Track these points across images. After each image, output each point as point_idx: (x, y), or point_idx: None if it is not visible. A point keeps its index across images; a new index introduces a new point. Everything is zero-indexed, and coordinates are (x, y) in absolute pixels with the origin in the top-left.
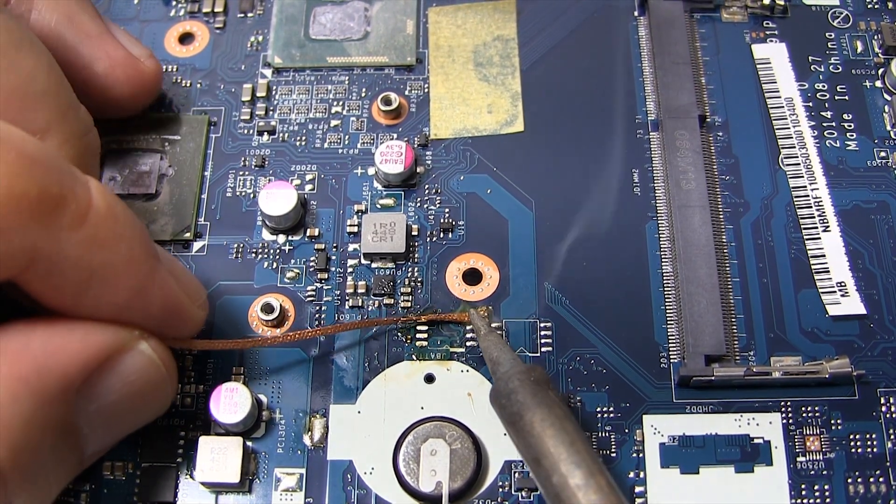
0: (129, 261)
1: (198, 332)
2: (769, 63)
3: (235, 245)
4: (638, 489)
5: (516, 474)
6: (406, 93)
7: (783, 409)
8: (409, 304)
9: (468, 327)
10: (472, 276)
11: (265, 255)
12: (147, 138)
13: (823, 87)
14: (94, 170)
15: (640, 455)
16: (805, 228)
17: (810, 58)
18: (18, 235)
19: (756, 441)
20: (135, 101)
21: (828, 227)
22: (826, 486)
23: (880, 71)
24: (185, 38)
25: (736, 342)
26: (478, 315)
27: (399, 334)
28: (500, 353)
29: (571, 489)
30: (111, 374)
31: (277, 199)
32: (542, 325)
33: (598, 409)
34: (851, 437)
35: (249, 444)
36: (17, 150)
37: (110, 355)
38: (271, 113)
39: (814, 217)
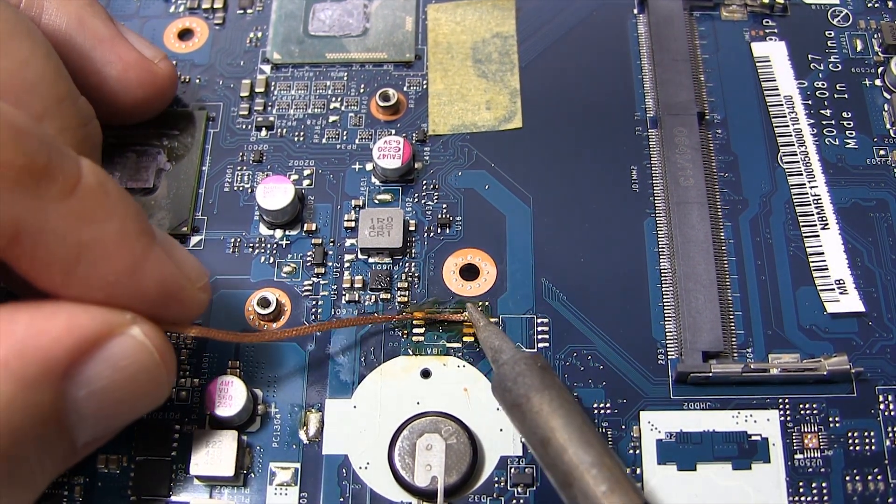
0: (120, 237)
1: (199, 316)
2: (769, 61)
3: (233, 239)
4: None
5: (512, 470)
6: (405, 89)
7: (781, 407)
8: (405, 299)
9: (464, 321)
10: (470, 272)
11: (262, 250)
12: (145, 133)
13: (823, 85)
14: (95, 161)
15: (637, 451)
16: (804, 226)
17: (810, 56)
18: (3, 204)
19: (754, 438)
20: (149, 105)
21: (826, 224)
22: (824, 484)
23: (880, 69)
24: (185, 34)
25: (734, 339)
26: (474, 308)
27: (395, 329)
28: (502, 342)
29: (584, 467)
30: (100, 359)
31: (275, 193)
32: (538, 320)
33: (595, 406)
34: (849, 434)
35: (244, 438)
36: (4, 122)
37: (98, 339)
38: (269, 108)
39: (813, 215)
